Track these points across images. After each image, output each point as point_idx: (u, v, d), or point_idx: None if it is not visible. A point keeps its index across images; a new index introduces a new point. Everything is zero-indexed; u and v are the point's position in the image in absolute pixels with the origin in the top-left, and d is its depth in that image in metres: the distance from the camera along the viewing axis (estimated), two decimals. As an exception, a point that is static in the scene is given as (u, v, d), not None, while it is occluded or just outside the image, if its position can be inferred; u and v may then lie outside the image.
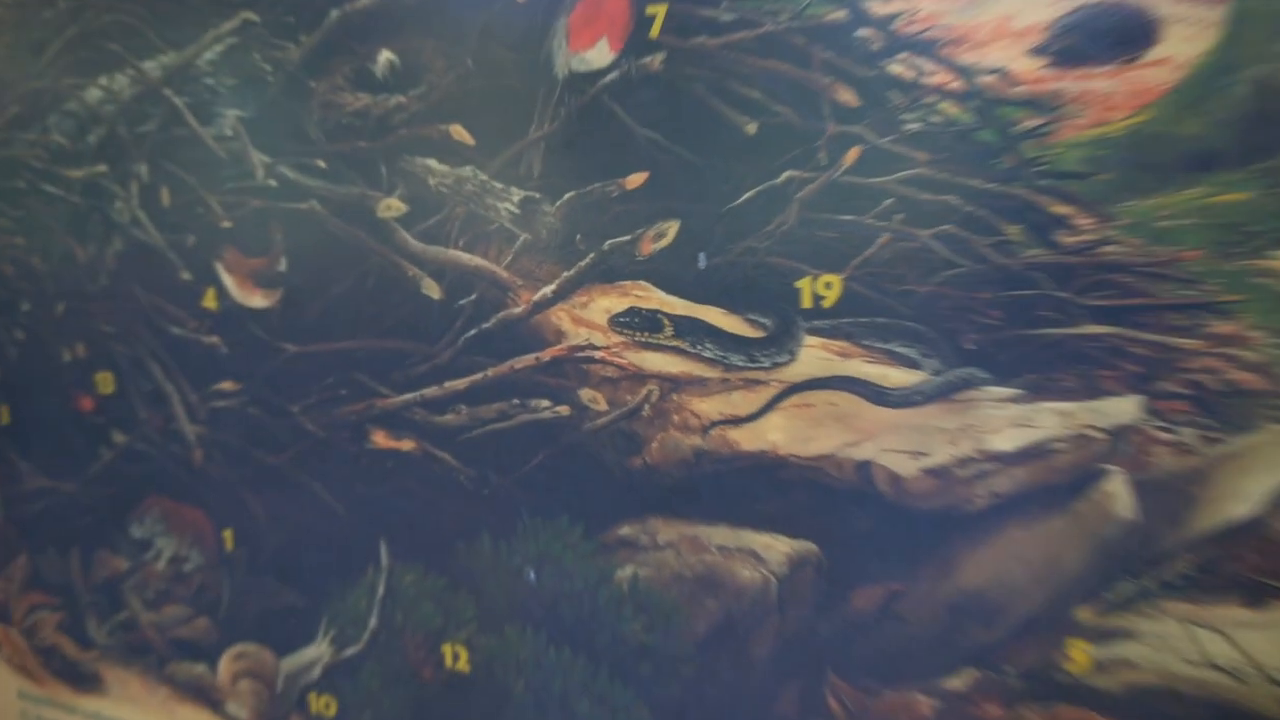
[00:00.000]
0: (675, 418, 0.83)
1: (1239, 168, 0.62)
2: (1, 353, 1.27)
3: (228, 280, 1.07)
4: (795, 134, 0.76)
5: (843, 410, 0.76)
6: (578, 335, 0.87)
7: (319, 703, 1.07)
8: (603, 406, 0.86)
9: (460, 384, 0.93)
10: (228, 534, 1.12)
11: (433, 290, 0.94)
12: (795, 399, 0.78)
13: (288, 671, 1.10)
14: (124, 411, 1.18)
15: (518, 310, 0.90)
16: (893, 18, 0.70)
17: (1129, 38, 0.64)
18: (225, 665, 1.15)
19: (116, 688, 1.25)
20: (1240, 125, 0.62)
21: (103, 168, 1.13)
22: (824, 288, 0.76)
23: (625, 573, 0.87)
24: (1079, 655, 0.69)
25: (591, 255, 0.85)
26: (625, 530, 0.87)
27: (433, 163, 0.92)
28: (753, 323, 0.80)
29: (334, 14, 0.94)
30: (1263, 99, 0.61)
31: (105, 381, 1.18)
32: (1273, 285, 0.62)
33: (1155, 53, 0.64)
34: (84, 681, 1.28)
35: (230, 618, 1.13)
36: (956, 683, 0.75)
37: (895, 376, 0.74)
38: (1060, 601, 0.70)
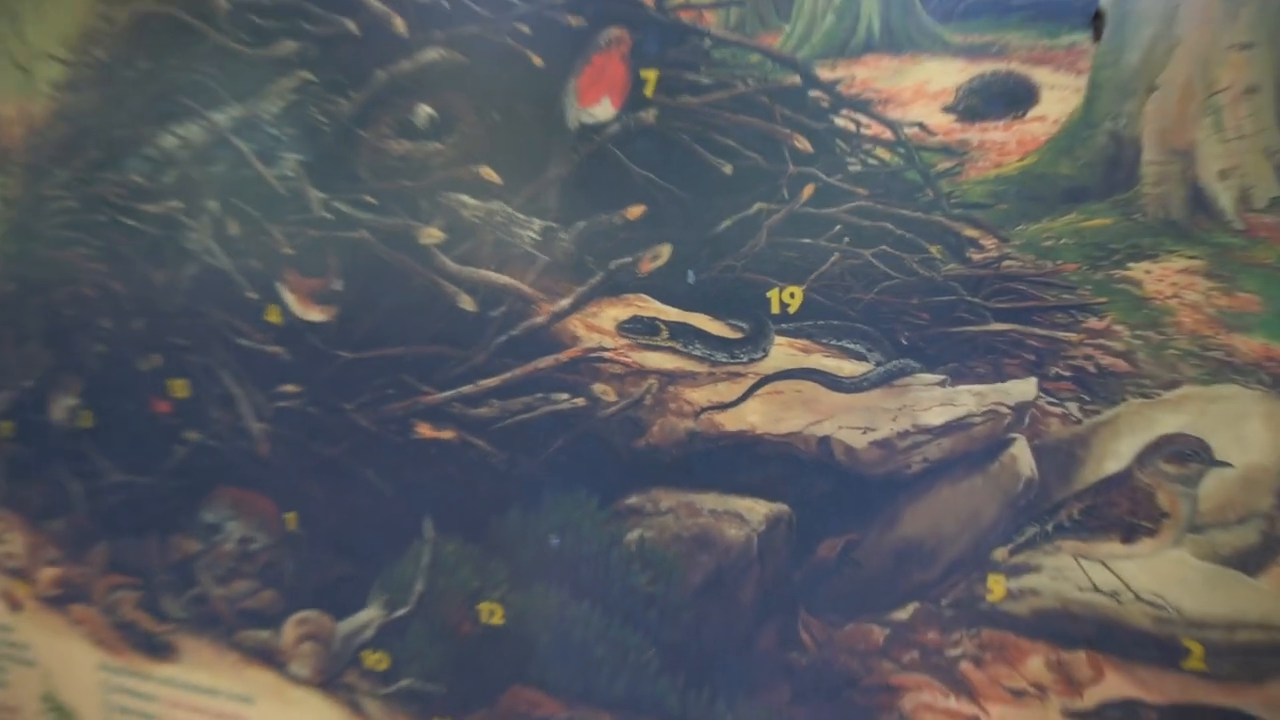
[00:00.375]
0: (672, 405, 0.96)
1: (1102, 199, 0.77)
2: (84, 364, 1.39)
3: (289, 298, 1.18)
4: (763, 174, 0.89)
5: (806, 396, 0.90)
6: (590, 339, 0.99)
7: (372, 659, 1.19)
8: (612, 398, 0.99)
9: (492, 382, 1.04)
10: (290, 516, 1.23)
11: (467, 304, 1.05)
12: (768, 388, 0.91)
13: (344, 633, 1.21)
14: (196, 413, 1.29)
15: (540, 320, 1.01)
16: (836, 82, 0.85)
17: (1017, 100, 0.79)
18: (289, 630, 1.26)
19: (189, 655, 1.36)
20: (1101, 167, 0.77)
21: (177, 203, 1.25)
22: (789, 297, 0.89)
23: (633, 535, 0.99)
24: (996, 587, 0.83)
25: (600, 273, 0.97)
26: (632, 500, 0.99)
27: (466, 198, 1.03)
28: (733, 326, 0.93)
29: (380, 74, 1.07)
30: (1117, 146, 0.76)
31: (179, 387, 1.30)
32: (1131, 290, 0.76)
33: (1036, 111, 0.78)
34: (160, 651, 1.38)
35: (293, 589, 1.24)
36: (902, 614, 0.88)
37: (847, 367, 0.88)
38: (980, 544, 0.84)
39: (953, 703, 0.85)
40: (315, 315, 1.16)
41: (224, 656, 1.33)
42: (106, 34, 1.30)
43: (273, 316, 1.21)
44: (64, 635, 1.49)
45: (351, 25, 1.08)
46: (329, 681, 1.24)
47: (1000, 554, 0.83)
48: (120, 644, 1.44)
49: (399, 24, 1.05)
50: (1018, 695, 0.83)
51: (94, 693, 1.49)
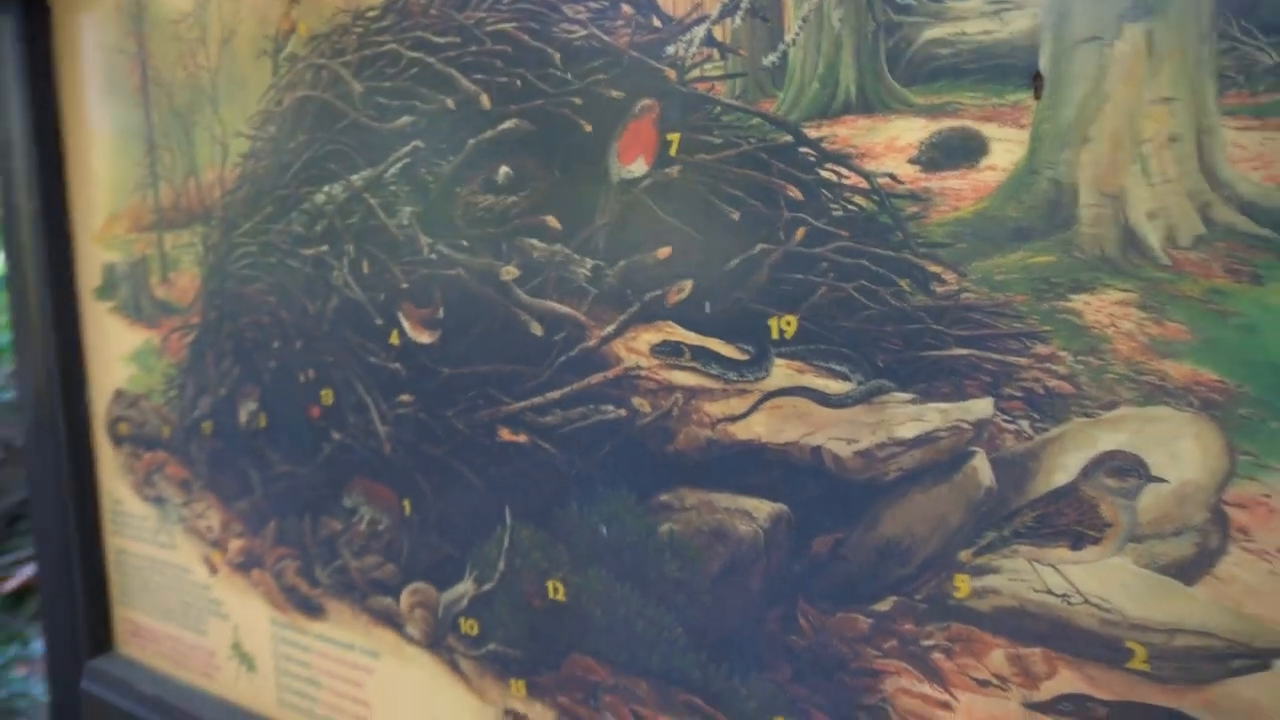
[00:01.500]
0: (694, 417, 1.06)
1: (1046, 238, 0.83)
2: (261, 377, 1.66)
3: (405, 324, 1.34)
4: (763, 219, 0.98)
5: (801, 410, 0.98)
6: (630, 360, 1.09)
7: (466, 624, 1.33)
8: (647, 410, 1.08)
9: (555, 395, 1.16)
10: (406, 503, 1.38)
11: (536, 329, 1.17)
12: (770, 403, 1.00)
13: (445, 602, 1.35)
14: (339, 417, 1.47)
15: (591, 343, 1.12)
16: (821, 139, 0.95)
17: (970, 152, 0.86)
18: (405, 599, 1.40)
19: (334, 615, 1.57)
20: (1044, 209, 0.83)
21: (325, 248, 1.49)
22: (785, 324, 0.98)
23: (665, 528, 1.07)
24: (962, 585, 0.89)
25: (637, 304, 1.07)
26: (664, 498, 1.08)
27: (535, 242, 1.16)
28: (741, 349, 1.03)
29: (470, 143, 1.25)
30: (1057, 191, 0.83)
31: (327, 396, 1.48)
32: (1073, 319, 0.81)
33: (987, 161, 0.85)
34: (313, 611, 1.59)
35: (408, 563, 1.39)
36: (883, 606, 0.94)
37: (834, 386, 0.96)
38: (948, 546, 0.90)
39: (927, 688, 0.94)
40: (424, 338, 1.32)
41: (358, 617, 1.53)
42: (277, 114, 1.61)
43: (393, 339, 1.36)
44: (247, 594, 1.77)
45: (450, 102, 1.29)
46: (435, 643, 1.41)
47: (965, 555, 0.89)
48: (286, 604, 1.67)
49: (485, 100, 1.25)
50: (983, 685, 0.89)
51: (268, 643, 1.75)
